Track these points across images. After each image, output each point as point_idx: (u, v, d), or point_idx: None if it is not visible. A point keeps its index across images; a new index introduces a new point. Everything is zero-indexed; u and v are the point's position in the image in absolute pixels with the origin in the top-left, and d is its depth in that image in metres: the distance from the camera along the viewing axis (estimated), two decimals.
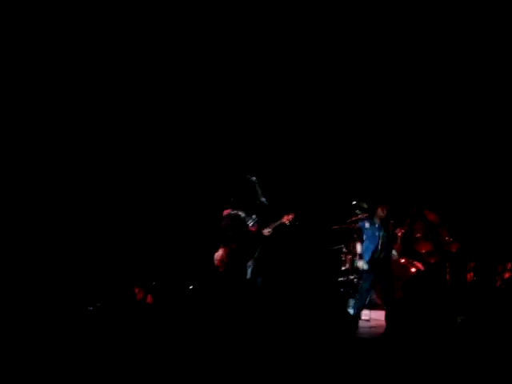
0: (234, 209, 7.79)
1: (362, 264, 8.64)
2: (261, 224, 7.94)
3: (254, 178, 8.03)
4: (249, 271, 7.77)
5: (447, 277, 9.05)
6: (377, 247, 8.43)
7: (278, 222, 8.09)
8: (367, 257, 8.52)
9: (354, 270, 9.67)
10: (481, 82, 9.77)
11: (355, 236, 9.80)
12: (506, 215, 9.39)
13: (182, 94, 10.45)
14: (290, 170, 10.42)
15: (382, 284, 8.41)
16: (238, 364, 5.42)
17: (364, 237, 8.66)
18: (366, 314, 8.90)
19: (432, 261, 9.29)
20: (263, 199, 8.08)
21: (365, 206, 9.68)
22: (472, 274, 9.14)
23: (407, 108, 10.33)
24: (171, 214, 10.25)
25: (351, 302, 9.34)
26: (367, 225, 8.66)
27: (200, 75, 10.30)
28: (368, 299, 8.54)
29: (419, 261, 9.10)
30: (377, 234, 8.48)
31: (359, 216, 9.64)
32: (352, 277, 9.65)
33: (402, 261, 9.31)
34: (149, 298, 8.87)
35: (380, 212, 8.50)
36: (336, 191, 10.01)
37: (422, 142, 10.36)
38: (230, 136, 10.50)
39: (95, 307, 7.84)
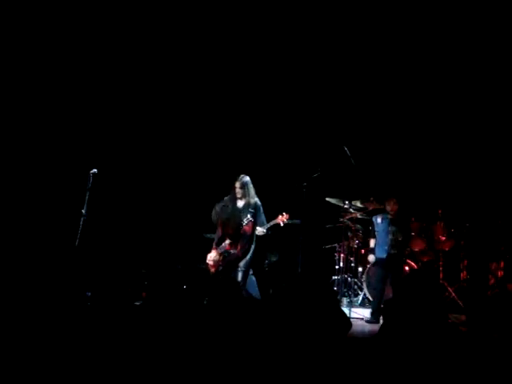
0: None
1: (371, 258, 8.76)
2: (254, 224, 7.92)
3: (247, 178, 8.01)
4: (240, 274, 7.73)
5: (440, 275, 9.07)
6: (387, 242, 8.48)
7: (273, 222, 8.07)
8: (378, 251, 8.58)
9: (348, 268, 9.71)
10: (481, 82, 9.81)
11: (349, 234, 9.86)
12: (498, 213, 9.42)
13: (176, 95, 10.45)
14: (284, 170, 10.41)
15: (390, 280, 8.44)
16: (231, 364, 5.42)
17: (376, 232, 8.71)
18: (359, 312, 8.92)
19: (425, 259, 9.30)
20: (256, 199, 8.07)
21: (358, 204, 9.69)
22: (465, 272, 9.17)
23: (403, 107, 10.35)
24: (165, 214, 10.24)
25: (345, 300, 9.37)
26: (379, 219, 8.71)
27: (192, 77, 10.31)
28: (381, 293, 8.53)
29: (412, 259, 9.11)
30: (388, 229, 8.52)
31: (353, 215, 9.68)
32: (346, 275, 9.67)
33: None
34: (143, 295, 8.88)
35: (388, 206, 8.53)
36: (331, 190, 10.00)
37: (418, 140, 10.38)
38: (223, 135, 10.48)
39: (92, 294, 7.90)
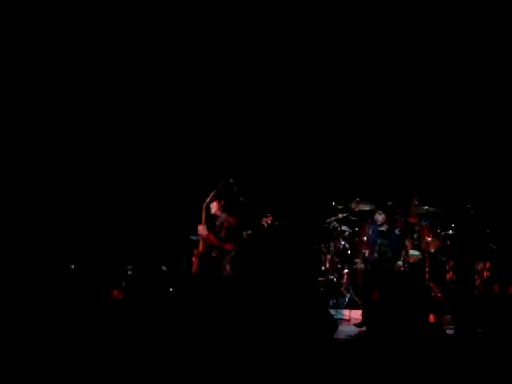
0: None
1: (361, 265, 8.92)
2: (240, 219, 7.84)
3: (230, 180, 7.97)
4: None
5: (427, 276, 9.05)
6: (376, 252, 8.48)
7: (257, 225, 8.06)
8: (368, 261, 8.60)
9: (334, 270, 9.69)
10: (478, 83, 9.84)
11: (335, 235, 9.84)
12: (484, 214, 9.42)
13: (168, 100, 10.43)
14: (268, 171, 10.38)
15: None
16: (216, 365, 5.38)
17: (368, 241, 8.72)
18: (345, 313, 8.90)
19: (411, 260, 9.27)
20: (241, 199, 8.03)
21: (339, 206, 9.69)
22: (451, 273, 9.16)
23: (387, 107, 10.36)
24: (152, 214, 10.19)
25: (331, 301, 9.34)
26: (370, 230, 8.73)
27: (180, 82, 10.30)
28: None
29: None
30: (377, 239, 8.53)
31: (339, 216, 9.66)
32: (332, 276, 9.65)
33: None
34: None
35: (377, 217, 8.52)
36: (317, 191, 9.99)
37: (404, 140, 10.40)
38: (206, 137, 10.45)
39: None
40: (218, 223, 7.64)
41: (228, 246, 7.52)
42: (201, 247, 7.47)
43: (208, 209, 7.59)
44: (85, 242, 9.28)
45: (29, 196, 9.49)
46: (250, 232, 8.05)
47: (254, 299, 7.91)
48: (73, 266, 8.07)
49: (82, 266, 8.39)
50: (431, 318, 7.92)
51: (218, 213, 7.63)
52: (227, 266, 7.54)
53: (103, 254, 9.23)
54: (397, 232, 8.58)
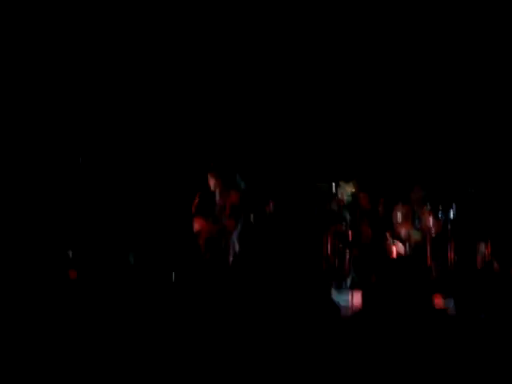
0: None
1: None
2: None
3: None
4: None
5: (428, 258, 9.09)
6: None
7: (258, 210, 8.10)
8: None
9: (336, 252, 9.72)
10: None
11: (335, 219, 9.87)
12: (485, 194, 9.46)
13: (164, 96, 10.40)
14: (267, 156, 10.39)
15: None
16: (223, 357, 5.42)
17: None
18: (347, 296, 8.94)
19: (412, 242, 9.31)
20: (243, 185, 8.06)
21: (347, 188, 9.72)
22: (453, 254, 9.18)
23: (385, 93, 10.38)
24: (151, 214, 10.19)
25: (333, 284, 9.39)
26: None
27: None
28: None
29: (400, 242, 9.13)
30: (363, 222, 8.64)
31: (340, 199, 9.69)
32: (333, 258, 9.68)
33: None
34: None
35: (361, 200, 8.62)
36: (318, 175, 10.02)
37: (403, 123, 10.41)
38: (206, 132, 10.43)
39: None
40: (217, 205, 7.64)
41: (231, 223, 7.52)
42: (202, 236, 7.47)
43: (199, 206, 7.56)
44: (82, 247, 9.27)
45: (26, 203, 9.48)
46: (252, 217, 8.10)
47: (258, 288, 7.98)
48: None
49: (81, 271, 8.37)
50: (433, 299, 7.95)
51: (218, 189, 7.60)
52: (235, 242, 7.57)
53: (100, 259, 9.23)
54: (379, 212, 8.69)
